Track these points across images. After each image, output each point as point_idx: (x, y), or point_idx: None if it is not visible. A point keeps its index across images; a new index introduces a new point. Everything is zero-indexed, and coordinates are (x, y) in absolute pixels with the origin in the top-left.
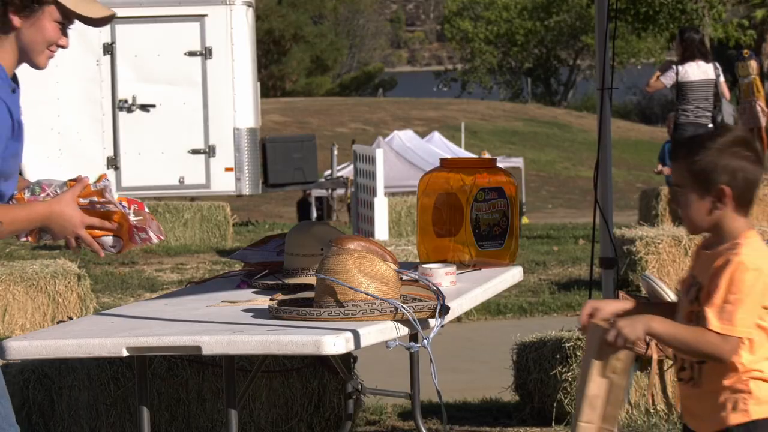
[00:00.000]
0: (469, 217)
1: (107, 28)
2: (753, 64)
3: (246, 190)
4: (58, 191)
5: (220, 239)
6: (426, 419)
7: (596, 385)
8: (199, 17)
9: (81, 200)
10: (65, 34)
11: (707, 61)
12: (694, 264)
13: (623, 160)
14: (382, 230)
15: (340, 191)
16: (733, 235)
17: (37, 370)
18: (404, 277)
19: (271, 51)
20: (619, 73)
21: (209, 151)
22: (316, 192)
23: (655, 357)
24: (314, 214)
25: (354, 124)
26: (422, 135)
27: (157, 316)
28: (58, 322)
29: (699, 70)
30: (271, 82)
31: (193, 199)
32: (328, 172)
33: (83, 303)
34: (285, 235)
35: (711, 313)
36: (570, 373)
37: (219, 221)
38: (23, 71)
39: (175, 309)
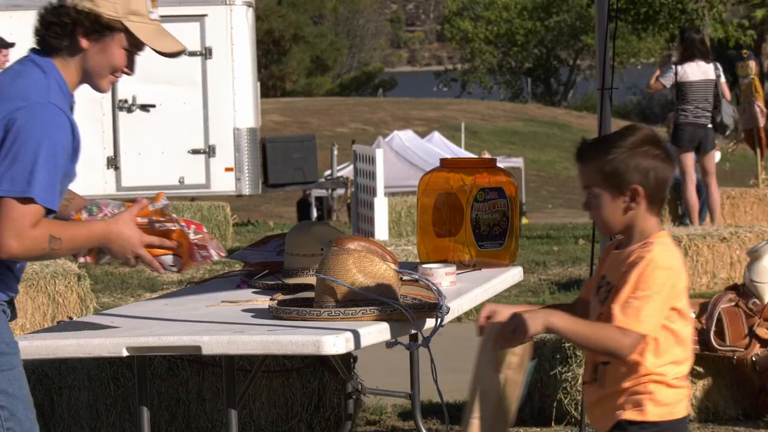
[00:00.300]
0: (469, 217)
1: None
2: (752, 64)
3: (246, 190)
4: (116, 211)
5: (220, 239)
6: (426, 419)
7: (490, 381)
8: (199, 17)
9: (139, 220)
10: (132, 62)
11: (707, 61)
12: (603, 264)
13: None
14: (382, 230)
15: (340, 191)
16: (644, 235)
17: (37, 370)
18: (404, 277)
19: (271, 51)
20: (619, 73)
21: (209, 151)
22: (316, 192)
23: None
24: (314, 214)
25: (354, 124)
26: (422, 135)
27: (157, 316)
28: (58, 323)
29: (699, 71)
30: (271, 82)
31: (193, 199)
32: (328, 172)
33: (83, 303)
34: (285, 235)
35: (616, 309)
36: (570, 373)
37: (219, 221)
38: None
39: (175, 309)
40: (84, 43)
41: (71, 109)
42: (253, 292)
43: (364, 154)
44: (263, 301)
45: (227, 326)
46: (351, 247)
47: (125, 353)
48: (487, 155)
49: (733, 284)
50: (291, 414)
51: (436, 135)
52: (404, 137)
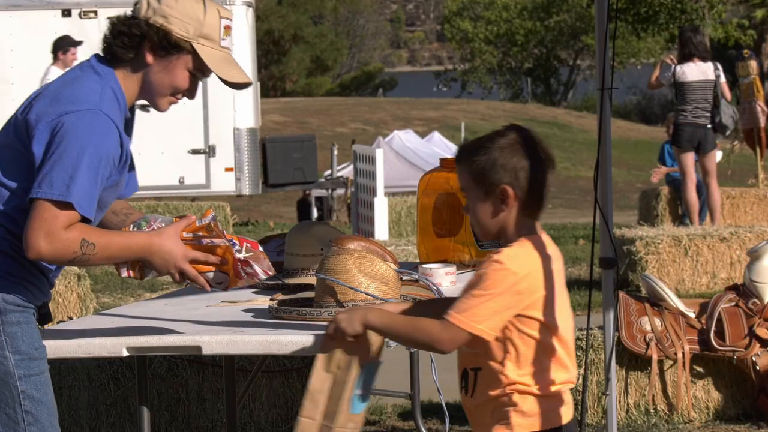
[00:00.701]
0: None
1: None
2: (753, 64)
3: (246, 190)
4: (163, 225)
5: None
6: (426, 419)
7: (319, 380)
8: None
9: (185, 234)
10: (195, 86)
11: (705, 60)
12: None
13: (623, 160)
14: (382, 230)
15: (340, 191)
16: (515, 237)
17: None
18: (404, 277)
19: (271, 51)
20: (619, 73)
21: (209, 151)
22: (316, 192)
23: (655, 357)
24: (314, 214)
25: (354, 124)
26: (422, 135)
27: (157, 316)
28: (58, 322)
29: (698, 71)
30: (271, 82)
31: (193, 199)
32: (328, 172)
33: (83, 303)
34: (285, 235)
35: (453, 304)
36: None
37: (219, 221)
38: (22, 68)
39: (175, 309)
40: (149, 58)
41: (129, 123)
42: (253, 292)
43: (364, 154)
44: (263, 301)
45: (227, 326)
46: (351, 247)
47: (125, 353)
48: None
49: (733, 284)
50: (291, 414)
51: (436, 135)
52: (404, 137)
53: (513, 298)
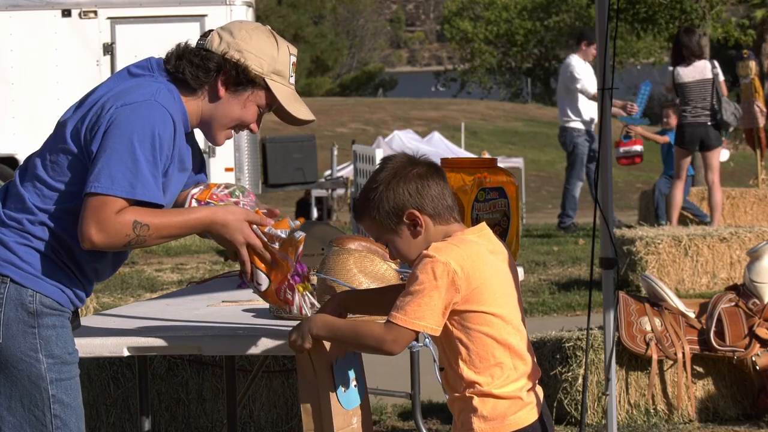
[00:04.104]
0: (470, 217)
1: (107, 28)
2: (752, 64)
3: None
4: (247, 207)
5: None
6: (426, 419)
7: (305, 392)
8: (199, 17)
9: (254, 228)
10: (260, 120)
11: (690, 63)
12: None
13: None
14: None
15: (340, 191)
16: None
17: None
18: (405, 277)
19: None
20: (619, 73)
21: (209, 151)
22: (316, 192)
23: (655, 357)
24: (314, 214)
25: (354, 124)
26: (422, 135)
27: (157, 316)
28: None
29: (692, 71)
30: None
31: None
32: (328, 172)
33: None
34: None
35: (394, 305)
36: (570, 374)
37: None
38: (22, 68)
39: (176, 309)
40: (222, 91)
41: (189, 136)
42: (254, 292)
43: (364, 154)
44: (263, 301)
45: (228, 326)
46: (352, 247)
47: (126, 353)
48: (487, 155)
49: (733, 284)
50: (291, 414)
51: (436, 135)
52: (404, 137)
53: (450, 288)
